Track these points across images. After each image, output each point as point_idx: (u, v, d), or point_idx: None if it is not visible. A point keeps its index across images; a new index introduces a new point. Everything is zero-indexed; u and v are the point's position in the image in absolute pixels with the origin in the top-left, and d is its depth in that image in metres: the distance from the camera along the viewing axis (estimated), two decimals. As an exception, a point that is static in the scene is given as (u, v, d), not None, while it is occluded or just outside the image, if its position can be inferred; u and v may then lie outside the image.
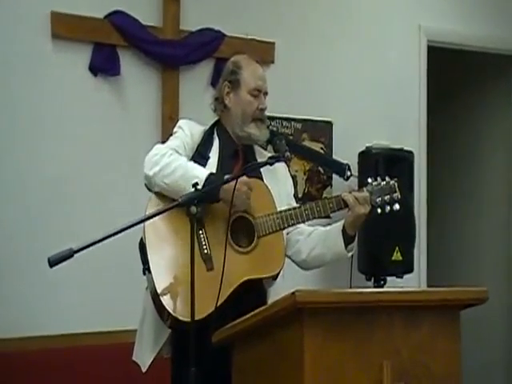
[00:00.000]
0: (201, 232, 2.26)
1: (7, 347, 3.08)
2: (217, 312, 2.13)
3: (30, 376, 3.08)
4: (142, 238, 2.31)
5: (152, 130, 3.52)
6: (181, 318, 2.15)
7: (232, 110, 2.47)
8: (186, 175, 2.23)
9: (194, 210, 2.03)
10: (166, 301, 2.19)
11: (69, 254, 1.92)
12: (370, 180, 2.41)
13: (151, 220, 2.22)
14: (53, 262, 1.92)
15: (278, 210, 2.38)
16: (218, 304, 2.14)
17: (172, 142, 2.43)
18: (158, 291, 2.20)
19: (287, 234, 2.47)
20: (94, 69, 3.41)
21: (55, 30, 3.31)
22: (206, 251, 2.25)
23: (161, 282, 2.21)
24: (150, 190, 2.36)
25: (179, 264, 2.22)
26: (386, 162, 3.85)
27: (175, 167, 2.27)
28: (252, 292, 2.26)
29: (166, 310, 2.18)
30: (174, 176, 2.26)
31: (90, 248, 1.95)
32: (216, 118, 2.55)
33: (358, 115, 4.14)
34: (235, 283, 2.22)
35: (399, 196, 2.40)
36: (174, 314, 2.16)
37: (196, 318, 2.01)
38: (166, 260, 2.25)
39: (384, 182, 2.40)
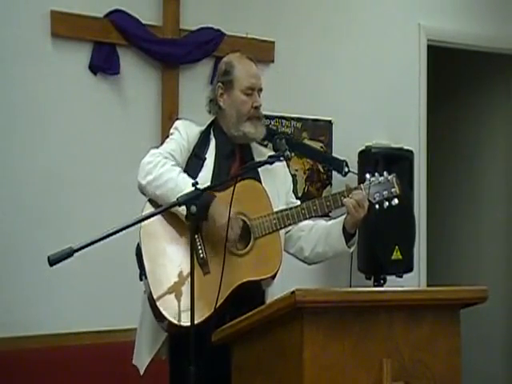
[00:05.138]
0: (196, 236, 2.24)
1: (6, 346, 3.08)
2: (215, 314, 2.12)
3: (29, 375, 3.08)
4: (138, 244, 2.30)
5: (152, 128, 3.53)
6: (178, 322, 2.14)
7: (227, 111, 2.45)
8: (175, 189, 2.20)
9: (194, 209, 2.02)
10: (163, 306, 2.18)
11: (68, 253, 1.92)
12: (368, 176, 2.41)
13: (147, 225, 2.23)
14: (53, 261, 1.92)
15: (276, 209, 2.37)
16: (217, 307, 2.14)
17: (168, 145, 2.42)
18: (155, 297, 2.19)
19: (288, 231, 2.46)
20: (94, 68, 3.41)
21: (55, 29, 3.31)
22: (201, 255, 2.24)
23: (157, 287, 2.20)
24: (144, 194, 2.36)
25: (175, 269, 2.21)
26: (385, 161, 3.85)
27: (167, 179, 2.26)
28: (250, 293, 2.25)
29: (162, 315, 2.17)
30: (164, 188, 2.25)
31: (90, 247, 1.95)
32: (212, 118, 2.53)
33: (358, 114, 4.14)
34: (232, 286, 2.21)
35: (398, 191, 2.39)
36: (171, 319, 2.15)
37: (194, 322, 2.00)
38: (162, 266, 2.23)
39: (382, 178, 2.40)
